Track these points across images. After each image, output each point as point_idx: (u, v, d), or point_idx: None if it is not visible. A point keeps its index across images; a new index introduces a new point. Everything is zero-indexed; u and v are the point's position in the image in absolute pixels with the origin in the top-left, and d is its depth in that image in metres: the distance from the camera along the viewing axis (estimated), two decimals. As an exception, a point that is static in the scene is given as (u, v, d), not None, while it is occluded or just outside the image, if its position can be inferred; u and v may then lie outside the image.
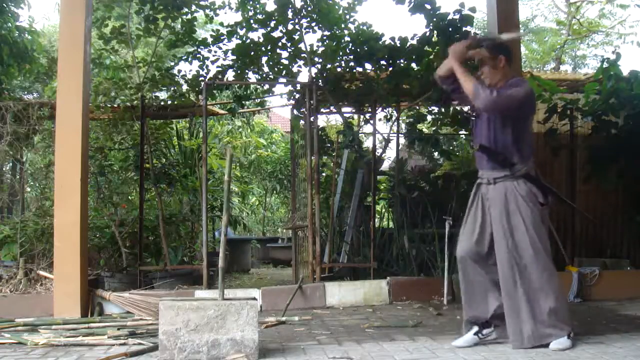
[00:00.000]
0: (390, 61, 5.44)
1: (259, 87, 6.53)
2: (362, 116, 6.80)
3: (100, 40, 5.97)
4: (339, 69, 5.87)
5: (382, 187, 7.66)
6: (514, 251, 3.19)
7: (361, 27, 5.88)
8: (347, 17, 5.97)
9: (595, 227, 6.63)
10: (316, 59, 5.83)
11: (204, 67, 5.93)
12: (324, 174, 7.34)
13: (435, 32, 5.25)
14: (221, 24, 6.04)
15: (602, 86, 5.92)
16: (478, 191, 3.41)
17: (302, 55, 5.81)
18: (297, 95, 6.55)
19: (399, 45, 5.38)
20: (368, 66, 5.73)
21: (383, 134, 6.90)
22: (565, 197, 3.47)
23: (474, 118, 3.51)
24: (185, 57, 6.00)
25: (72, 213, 4.44)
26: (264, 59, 5.90)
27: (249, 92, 6.40)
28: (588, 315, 4.38)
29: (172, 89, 6.11)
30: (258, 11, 5.81)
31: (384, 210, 8.30)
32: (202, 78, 5.88)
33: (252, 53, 5.82)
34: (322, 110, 6.58)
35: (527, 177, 3.24)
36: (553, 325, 3.15)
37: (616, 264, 6.00)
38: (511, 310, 3.20)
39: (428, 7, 5.13)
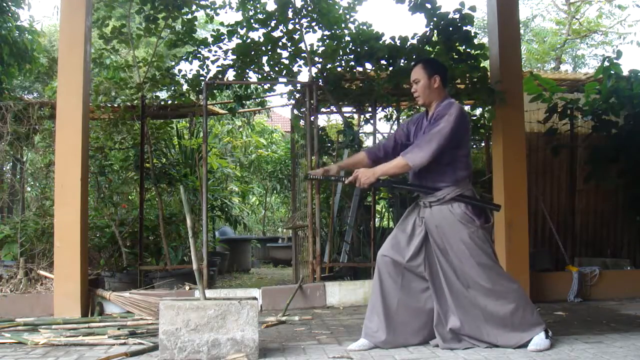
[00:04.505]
0: (391, 61, 5.42)
1: (259, 86, 6.53)
2: (362, 116, 6.80)
3: (101, 40, 5.97)
4: (339, 69, 5.86)
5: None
6: (459, 269, 3.19)
7: (361, 26, 5.88)
8: (347, 16, 5.97)
9: (596, 227, 6.64)
10: (316, 58, 5.83)
11: (204, 66, 5.92)
12: (324, 174, 7.32)
13: (435, 31, 5.24)
14: (221, 24, 6.04)
15: (602, 86, 5.92)
16: (416, 208, 3.39)
17: (303, 54, 5.81)
18: (298, 95, 6.55)
19: (399, 44, 5.36)
20: (368, 66, 5.72)
21: (383, 133, 6.90)
22: (492, 206, 3.40)
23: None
24: (185, 56, 6.00)
25: (72, 213, 4.44)
26: (265, 58, 5.90)
27: (249, 91, 6.40)
28: (588, 315, 4.39)
29: (173, 88, 6.11)
30: (258, 11, 5.81)
31: (384, 210, 8.30)
32: (203, 78, 5.87)
33: (253, 53, 5.81)
34: (322, 110, 6.57)
35: (459, 199, 3.22)
36: (517, 328, 3.15)
37: (616, 264, 6.00)
38: (471, 322, 3.19)
39: (428, 6, 5.12)
